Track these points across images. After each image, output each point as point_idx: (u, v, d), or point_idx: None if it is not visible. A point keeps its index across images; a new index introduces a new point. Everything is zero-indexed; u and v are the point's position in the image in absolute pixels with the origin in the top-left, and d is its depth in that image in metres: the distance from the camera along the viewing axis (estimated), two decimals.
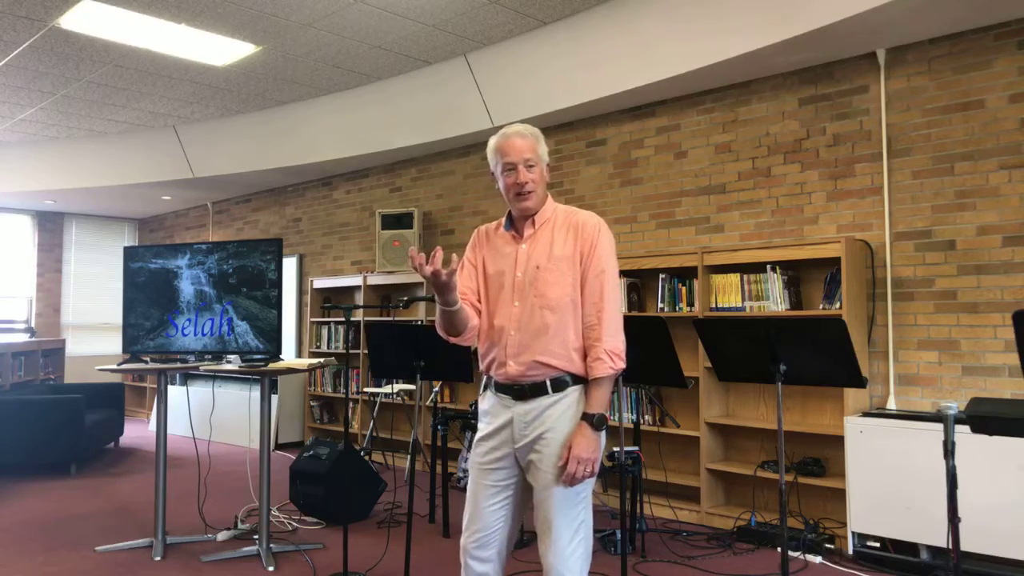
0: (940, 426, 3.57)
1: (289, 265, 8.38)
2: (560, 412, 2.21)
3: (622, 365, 2.22)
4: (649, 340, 3.36)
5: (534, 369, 2.22)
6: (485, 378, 2.37)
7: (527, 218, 2.33)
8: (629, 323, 3.42)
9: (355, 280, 7.23)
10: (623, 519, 3.45)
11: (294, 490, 4.84)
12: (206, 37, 5.37)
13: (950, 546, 2.44)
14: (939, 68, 4.22)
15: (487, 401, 2.33)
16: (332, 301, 7.74)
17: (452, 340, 2.34)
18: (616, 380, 2.47)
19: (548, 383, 2.22)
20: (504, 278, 2.32)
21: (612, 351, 2.21)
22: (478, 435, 2.33)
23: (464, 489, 5.60)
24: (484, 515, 2.27)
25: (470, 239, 2.47)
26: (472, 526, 2.29)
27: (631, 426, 4.77)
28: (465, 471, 5.59)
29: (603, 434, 2.23)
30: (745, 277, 4.61)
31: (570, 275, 2.25)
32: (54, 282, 10.49)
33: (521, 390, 2.24)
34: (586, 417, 2.19)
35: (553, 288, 2.24)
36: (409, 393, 6.50)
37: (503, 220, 2.40)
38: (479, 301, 2.37)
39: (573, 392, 2.23)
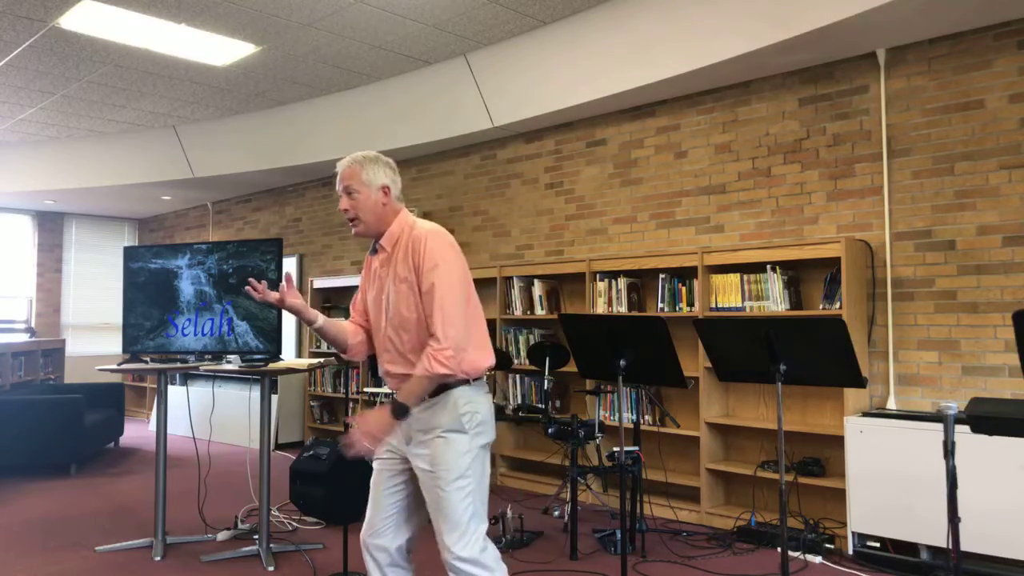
0: (940, 426, 3.56)
1: (289, 265, 8.38)
2: (432, 415, 2.32)
3: (441, 370, 2.24)
4: (649, 340, 3.36)
5: (405, 382, 2.32)
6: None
7: (379, 242, 2.44)
8: (629, 323, 3.43)
9: (355, 280, 7.23)
10: (623, 519, 3.45)
11: (294, 490, 4.84)
12: (206, 37, 5.37)
13: (950, 546, 2.44)
14: (939, 68, 4.22)
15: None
16: (332, 301, 7.74)
17: (345, 357, 2.57)
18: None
19: None
20: (374, 299, 2.47)
21: (436, 354, 2.25)
22: None
23: None
24: (381, 501, 2.41)
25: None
26: (369, 512, 2.43)
27: (631, 426, 4.77)
28: None
29: (404, 424, 2.31)
30: (745, 277, 4.61)
31: (412, 295, 2.34)
32: (54, 282, 10.49)
33: None
34: (392, 400, 2.27)
35: (404, 308, 2.35)
36: None
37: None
38: (366, 321, 2.55)
39: (450, 394, 2.32)
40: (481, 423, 2.35)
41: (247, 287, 2.43)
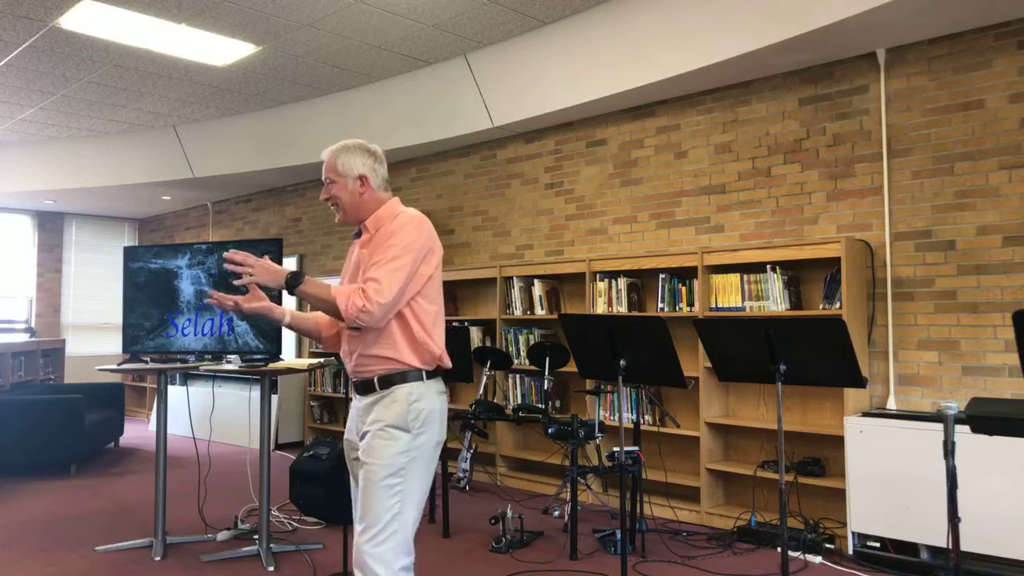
0: (940, 426, 3.56)
1: (289, 265, 8.38)
2: (381, 408, 2.29)
3: (358, 305, 2.18)
4: (649, 340, 3.36)
5: (361, 365, 2.32)
6: None
7: (364, 225, 2.42)
8: (629, 323, 3.43)
9: None
10: (623, 519, 3.45)
11: (294, 490, 4.83)
12: (206, 37, 5.37)
13: (950, 546, 2.44)
14: (939, 68, 4.22)
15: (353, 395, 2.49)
16: None
17: (322, 348, 2.56)
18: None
19: (376, 380, 2.31)
20: (350, 279, 2.44)
21: (370, 293, 2.19)
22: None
23: (463, 489, 5.60)
24: (358, 503, 2.32)
25: None
26: (355, 510, 2.35)
27: (631, 426, 4.77)
28: (465, 471, 5.60)
29: (281, 284, 2.24)
30: (745, 277, 4.61)
31: None
32: (54, 282, 10.49)
33: (356, 385, 2.38)
34: (294, 272, 2.24)
35: None
36: None
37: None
38: None
39: (398, 389, 2.29)
40: (426, 422, 2.29)
41: (210, 300, 2.37)
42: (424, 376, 2.32)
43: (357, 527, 2.24)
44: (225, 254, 2.23)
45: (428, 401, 2.31)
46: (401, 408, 2.27)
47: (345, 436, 2.47)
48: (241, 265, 2.20)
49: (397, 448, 2.24)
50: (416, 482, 2.26)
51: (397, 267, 2.23)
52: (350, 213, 2.42)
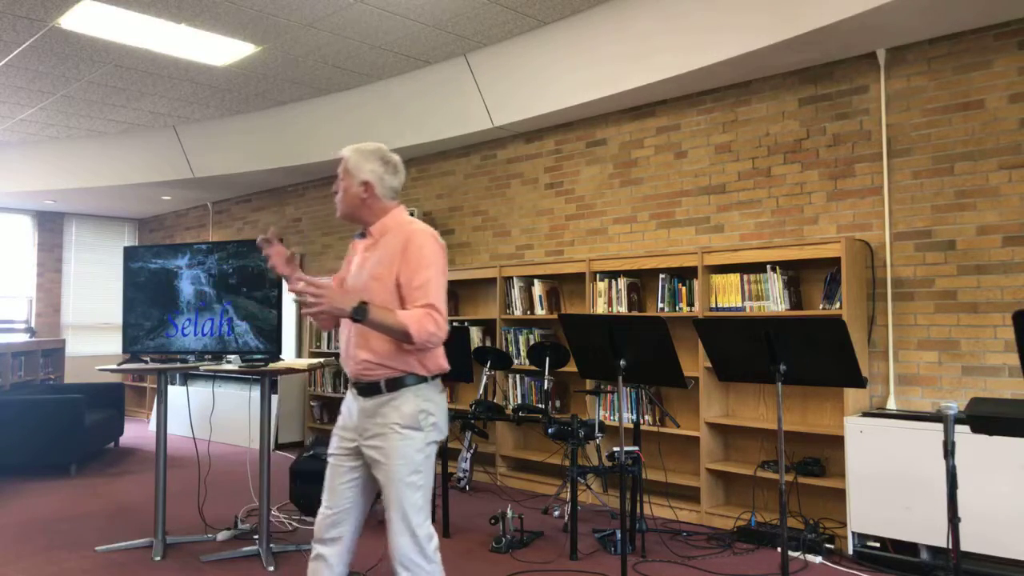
0: (940, 426, 3.56)
1: None
2: (391, 410, 2.38)
3: (428, 330, 2.28)
4: (649, 340, 3.36)
5: (368, 369, 2.39)
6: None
7: (367, 229, 2.52)
8: (629, 323, 3.43)
9: None
10: (623, 519, 3.45)
11: (294, 490, 4.84)
12: (206, 37, 5.37)
13: (950, 546, 2.44)
14: (939, 68, 4.22)
15: (348, 394, 2.53)
16: None
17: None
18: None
19: (383, 383, 2.39)
20: (354, 275, 2.54)
21: (434, 316, 2.30)
22: (336, 425, 2.53)
23: (463, 489, 5.60)
24: (338, 493, 2.46)
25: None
26: (326, 502, 2.48)
27: (631, 426, 4.77)
28: (465, 471, 5.60)
29: (362, 318, 2.26)
30: (745, 277, 4.61)
31: (389, 284, 2.38)
32: (54, 282, 10.49)
33: (361, 388, 2.44)
34: (362, 303, 2.24)
35: (377, 296, 2.35)
36: None
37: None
38: None
39: (407, 392, 2.38)
40: (435, 423, 2.42)
41: (260, 241, 2.57)
42: (428, 378, 2.43)
43: (391, 524, 2.33)
44: (299, 288, 2.32)
45: (435, 402, 2.44)
46: (412, 409, 2.37)
47: (337, 427, 2.53)
48: (313, 293, 2.24)
49: (414, 446, 2.36)
50: (429, 477, 2.41)
51: (439, 285, 2.37)
52: (346, 212, 2.53)
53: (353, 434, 2.46)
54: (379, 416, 2.38)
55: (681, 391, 5.07)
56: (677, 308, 4.94)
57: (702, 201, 5.17)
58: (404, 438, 2.35)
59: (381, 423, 2.37)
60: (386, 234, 2.46)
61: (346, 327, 2.48)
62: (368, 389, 2.41)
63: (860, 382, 2.95)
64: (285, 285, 2.62)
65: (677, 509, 4.84)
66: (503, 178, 6.44)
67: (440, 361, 2.47)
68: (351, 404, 2.49)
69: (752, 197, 4.93)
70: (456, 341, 4.62)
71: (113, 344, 10.87)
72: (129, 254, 4.23)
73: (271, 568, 3.85)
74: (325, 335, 7.58)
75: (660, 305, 5.01)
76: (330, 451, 2.53)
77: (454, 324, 4.87)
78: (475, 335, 6.14)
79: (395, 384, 2.38)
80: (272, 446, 7.42)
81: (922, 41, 4.27)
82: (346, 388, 4.00)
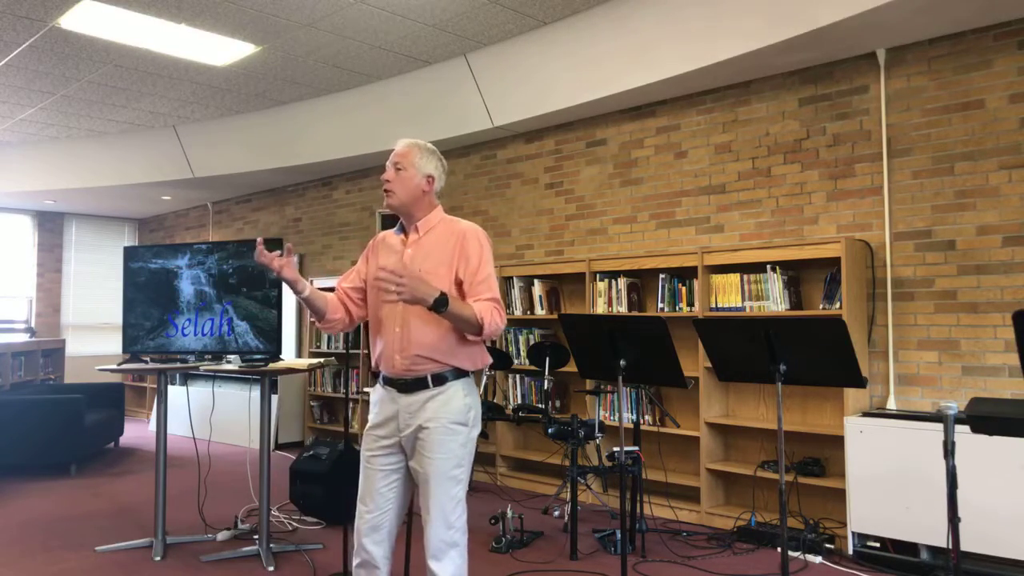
0: (940, 426, 3.56)
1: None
2: (439, 405, 2.42)
3: (497, 324, 2.39)
4: (649, 340, 3.36)
5: (417, 364, 2.42)
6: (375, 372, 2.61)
7: (412, 224, 2.55)
8: (629, 323, 3.43)
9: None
10: (623, 519, 3.45)
11: (294, 490, 4.84)
12: (206, 37, 5.37)
13: (950, 546, 2.44)
14: (939, 68, 4.22)
15: (376, 393, 2.54)
16: None
17: (318, 325, 2.68)
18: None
19: (429, 378, 2.43)
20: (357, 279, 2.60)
21: (501, 311, 2.41)
22: (368, 425, 2.53)
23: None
24: (379, 495, 2.48)
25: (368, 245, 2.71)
26: (366, 506, 2.49)
27: (631, 426, 4.77)
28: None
29: (440, 307, 2.28)
30: (745, 277, 4.61)
31: (447, 279, 2.43)
32: (54, 282, 10.49)
33: (405, 384, 2.45)
34: (443, 294, 2.27)
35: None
36: None
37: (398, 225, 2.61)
38: (354, 302, 2.67)
39: (452, 386, 2.43)
40: (477, 417, 2.50)
41: (257, 246, 2.53)
42: (470, 373, 2.50)
43: (429, 514, 2.37)
44: (380, 273, 2.27)
45: (475, 397, 2.53)
46: (459, 404, 2.44)
47: (370, 427, 2.53)
48: (396, 281, 2.22)
49: (459, 441, 2.43)
50: (468, 470, 2.49)
51: (495, 282, 2.48)
52: (402, 202, 2.52)
53: (388, 431, 2.47)
54: (426, 411, 2.41)
55: (681, 391, 5.07)
56: (677, 308, 4.94)
57: (702, 201, 5.17)
58: (452, 433, 2.40)
59: (428, 419, 2.40)
60: (430, 231, 2.53)
61: (393, 323, 2.46)
62: (413, 385, 2.43)
63: (860, 382, 2.95)
64: (285, 286, 2.61)
65: (677, 509, 4.84)
66: (503, 178, 6.44)
67: (486, 356, 2.54)
68: (385, 402, 2.50)
69: (752, 197, 4.93)
70: None
71: (113, 344, 10.86)
72: (129, 254, 4.23)
73: (271, 568, 3.85)
74: (325, 335, 7.58)
75: (660, 305, 5.01)
76: (364, 453, 2.53)
77: None
78: None
79: (441, 379, 2.43)
80: (272, 446, 7.42)
81: (922, 41, 4.27)
82: (346, 388, 4.00)
